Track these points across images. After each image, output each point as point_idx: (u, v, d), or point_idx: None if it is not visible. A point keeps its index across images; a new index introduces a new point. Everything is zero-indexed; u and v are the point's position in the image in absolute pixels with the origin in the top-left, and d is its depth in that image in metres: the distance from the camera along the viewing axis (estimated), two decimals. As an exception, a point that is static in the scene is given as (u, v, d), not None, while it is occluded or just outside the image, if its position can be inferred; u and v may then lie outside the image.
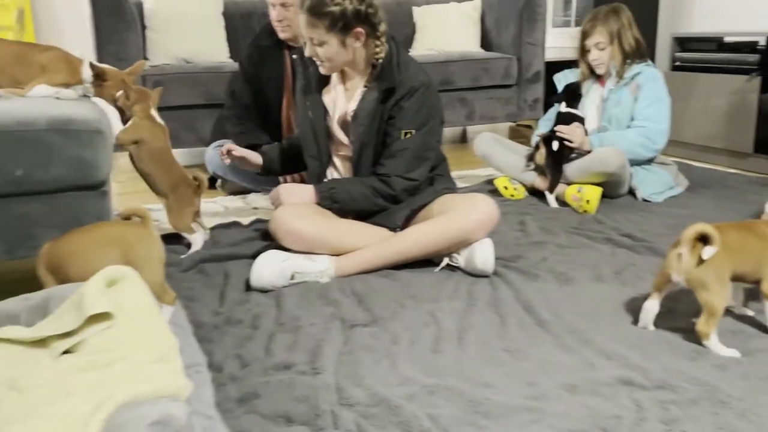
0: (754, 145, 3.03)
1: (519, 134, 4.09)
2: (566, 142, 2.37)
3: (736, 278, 1.38)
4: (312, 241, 1.72)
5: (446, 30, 3.77)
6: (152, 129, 1.95)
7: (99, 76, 1.82)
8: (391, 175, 1.77)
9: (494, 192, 2.55)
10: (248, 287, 1.69)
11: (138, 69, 1.97)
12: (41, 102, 1.69)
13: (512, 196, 2.52)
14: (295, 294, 1.64)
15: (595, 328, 1.46)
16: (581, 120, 2.44)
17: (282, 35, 2.55)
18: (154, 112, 2.00)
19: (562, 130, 2.38)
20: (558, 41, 4.61)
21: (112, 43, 2.89)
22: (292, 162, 2.06)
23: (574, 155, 2.40)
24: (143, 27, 3.22)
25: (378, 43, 1.75)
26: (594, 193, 2.32)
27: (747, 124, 3.05)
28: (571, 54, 4.31)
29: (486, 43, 3.89)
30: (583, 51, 2.51)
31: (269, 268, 1.66)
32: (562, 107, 2.46)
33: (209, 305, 1.60)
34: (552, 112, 2.62)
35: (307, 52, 1.77)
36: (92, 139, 1.56)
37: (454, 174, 2.88)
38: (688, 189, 2.61)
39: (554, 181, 2.42)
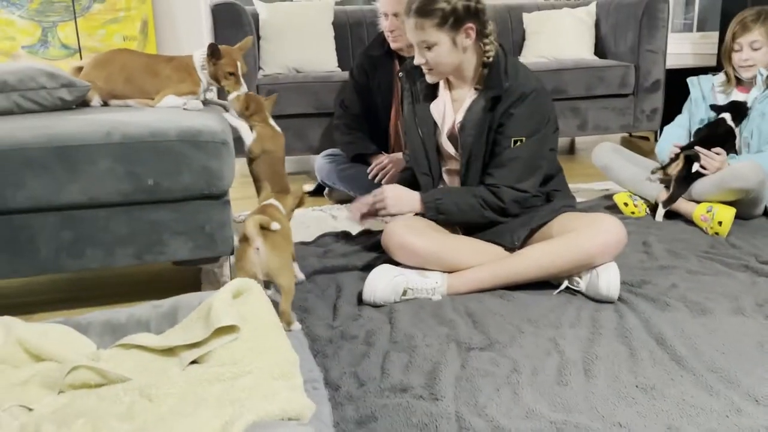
0: None
1: (633, 146, 3.88)
2: (701, 169, 2.23)
3: None
4: (425, 257, 1.69)
5: (558, 36, 3.65)
6: (275, 138, 2.00)
7: (213, 54, 1.88)
8: (500, 185, 1.70)
9: (613, 208, 2.41)
10: (360, 301, 1.67)
11: (246, 45, 2.02)
12: (171, 113, 1.77)
13: (633, 213, 2.38)
14: (408, 311, 1.61)
15: (740, 367, 1.32)
16: (731, 139, 2.29)
17: (393, 45, 2.54)
18: (271, 120, 2.05)
19: (704, 154, 2.23)
20: (677, 47, 4.39)
21: (231, 54, 2.99)
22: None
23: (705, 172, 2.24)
24: (258, 37, 3.33)
25: (487, 41, 1.70)
26: (727, 214, 2.14)
27: None
28: (691, 61, 4.22)
29: (600, 50, 3.73)
30: (730, 51, 2.35)
31: (383, 284, 1.64)
32: (727, 118, 2.31)
33: (323, 318, 1.60)
34: (684, 119, 2.47)
35: (416, 60, 1.73)
36: (219, 150, 1.61)
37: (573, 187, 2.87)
38: None
39: (674, 197, 2.27)
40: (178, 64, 1.94)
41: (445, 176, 1.89)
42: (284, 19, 3.34)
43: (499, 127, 1.70)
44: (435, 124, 1.83)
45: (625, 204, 2.39)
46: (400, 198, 1.78)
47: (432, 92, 1.83)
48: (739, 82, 2.38)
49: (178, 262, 1.70)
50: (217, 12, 3.02)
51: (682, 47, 4.41)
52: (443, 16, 1.63)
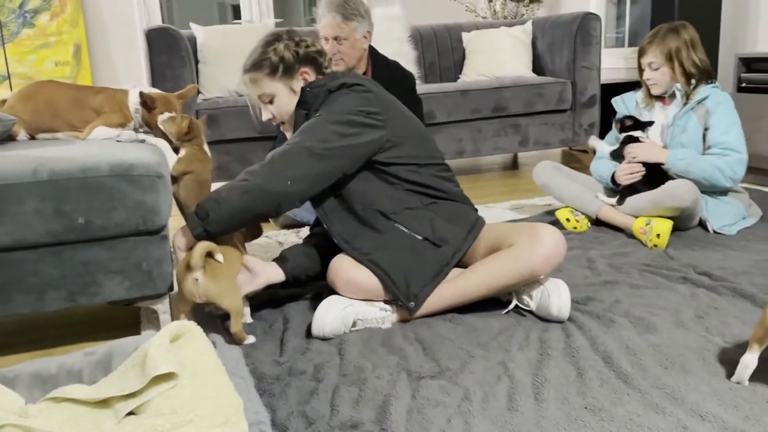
0: None
1: (573, 159, 3.99)
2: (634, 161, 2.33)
3: None
4: (372, 291, 1.65)
5: (497, 55, 3.73)
6: (203, 161, 1.94)
7: (145, 104, 1.80)
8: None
9: (555, 224, 2.46)
10: (309, 333, 1.63)
11: (188, 94, 1.96)
12: (101, 146, 1.70)
13: (575, 228, 2.43)
14: (358, 341, 1.58)
15: (684, 383, 1.34)
16: (642, 128, 2.40)
17: (335, 68, 2.52)
18: (206, 146, 2.00)
19: (624, 171, 2.35)
20: (611, 62, 4.55)
21: (168, 80, 2.93)
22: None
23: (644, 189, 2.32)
24: (196, 61, 3.26)
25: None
26: (664, 226, 2.21)
27: None
28: (624, 75, 4.37)
29: (538, 68, 3.82)
30: (640, 70, 2.42)
31: (332, 317, 1.60)
32: (621, 136, 2.42)
33: (270, 354, 1.55)
34: (613, 136, 2.54)
35: (263, 117, 1.74)
36: (154, 184, 1.54)
37: (510, 203, 2.92)
38: (763, 219, 2.47)
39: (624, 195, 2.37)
40: (108, 95, 1.86)
41: None
42: (223, 42, 3.30)
43: None
44: None
45: (567, 219, 2.43)
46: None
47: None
48: (660, 96, 2.42)
49: (115, 301, 1.62)
50: (151, 37, 2.95)
51: (616, 62, 4.56)
52: (272, 67, 1.67)
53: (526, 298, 1.70)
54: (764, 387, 1.31)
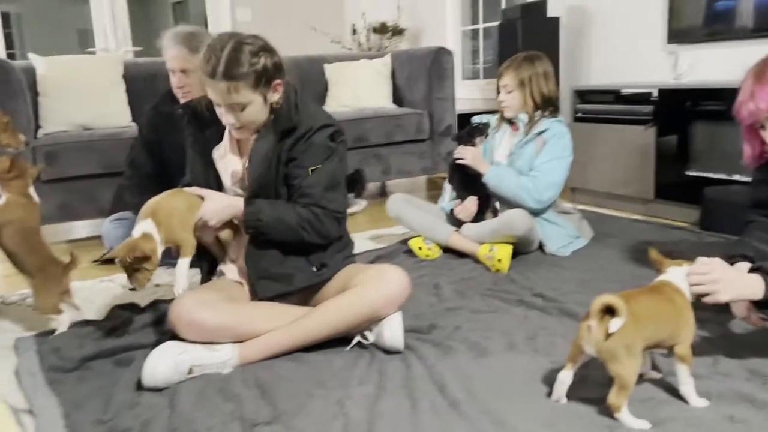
0: (654, 190, 3.14)
1: (437, 186, 4.11)
2: (459, 160, 2.44)
3: (651, 346, 1.36)
4: (217, 332, 1.60)
5: (358, 86, 3.80)
6: (27, 207, 1.82)
7: None
8: (313, 204, 1.68)
9: (409, 252, 2.52)
10: (141, 386, 1.54)
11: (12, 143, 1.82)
12: None
13: (427, 256, 2.51)
14: (192, 390, 1.50)
15: (510, 406, 1.40)
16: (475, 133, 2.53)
17: (184, 101, 2.44)
18: (31, 189, 1.86)
19: (458, 151, 2.47)
20: (468, 93, 4.79)
21: (-2, 114, 2.69)
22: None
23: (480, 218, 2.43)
24: (36, 94, 3.04)
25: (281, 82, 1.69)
26: (505, 252, 2.33)
27: (647, 171, 3.16)
28: (481, 105, 4.55)
29: (398, 99, 3.92)
30: (498, 92, 2.53)
31: (164, 365, 1.52)
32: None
33: (94, 412, 1.44)
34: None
35: (226, 120, 1.66)
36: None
37: (371, 233, 2.95)
38: (595, 239, 2.64)
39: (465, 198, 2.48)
40: None
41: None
42: (66, 73, 3.11)
43: (290, 161, 1.69)
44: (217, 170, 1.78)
45: (420, 248, 2.51)
46: (221, 204, 1.70)
47: (218, 138, 1.77)
48: (511, 122, 2.52)
49: None
50: (-22, 68, 2.71)
51: (472, 92, 4.80)
52: (257, 77, 1.60)
53: (367, 333, 1.71)
54: (579, 404, 1.40)
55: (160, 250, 1.60)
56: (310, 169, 1.68)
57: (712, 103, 2.88)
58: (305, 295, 1.76)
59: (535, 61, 2.46)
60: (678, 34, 3.33)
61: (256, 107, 1.64)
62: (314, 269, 1.73)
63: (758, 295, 1.41)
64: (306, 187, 1.67)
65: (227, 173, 1.77)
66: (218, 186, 1.78)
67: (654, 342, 1.35)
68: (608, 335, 1.28)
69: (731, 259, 1.56)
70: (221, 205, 1.69)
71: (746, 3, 3.03)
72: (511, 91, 2.45)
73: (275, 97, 1.67)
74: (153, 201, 1.66)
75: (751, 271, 1.47)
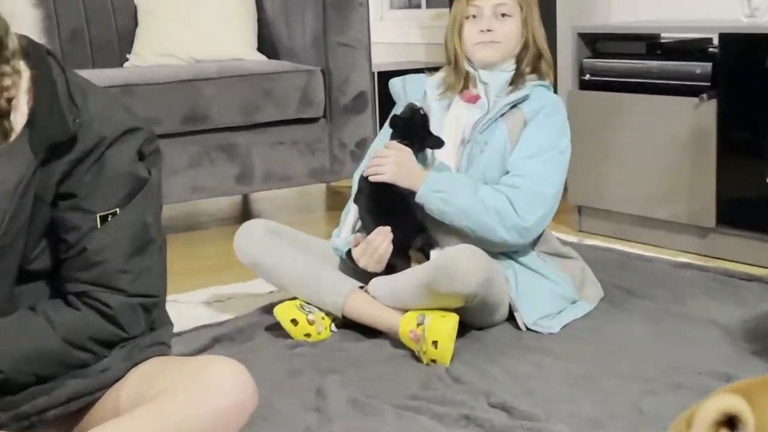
0: (717, 212, 2.21)
1: (342, 200, 2.82)
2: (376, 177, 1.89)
3: None
4: None
5: (194, 19, 2.77)
6: None
7: None
8: (106, 286, 1.26)
9: (276, 328, 1.89)
10: None
11: None
12: None
13: (308, 335, 1.84)
14: None
15: None
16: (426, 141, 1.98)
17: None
18: None
19: (373, 162, 1.91)
20: (397, 33, 3.57)
21: None
22: None
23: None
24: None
25: (8, 70, 1.17)
26: (445, 328, 1.72)
27: (704, 178, 2.24)
28: (423, 56, 3.42)
29: (267, 44, 2.86)
30: (461, 23, 1.94)
31: None
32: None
33: None
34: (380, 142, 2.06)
35: None
36: None
37: (210, 291, 2.12)
38: (607, 300, 1.96)
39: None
40: None
41: None
42: None
43: (63, 198, 1.26)
44: None
45: (294, 321, 1.88)
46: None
47: None
48: (467, 85, 1.92)
49: None
50: None
51: (406, 33, 3.55)
52: None
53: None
54: None
55: None
56: (99, 216, 1.30)
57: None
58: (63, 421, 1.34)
59: None
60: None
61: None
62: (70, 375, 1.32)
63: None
64: (92, 253, 1.29)
65: None
66: None
67: None
68: None
69: None
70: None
71: None
72: (509, 16, 1.89)
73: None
74: None
75: None
